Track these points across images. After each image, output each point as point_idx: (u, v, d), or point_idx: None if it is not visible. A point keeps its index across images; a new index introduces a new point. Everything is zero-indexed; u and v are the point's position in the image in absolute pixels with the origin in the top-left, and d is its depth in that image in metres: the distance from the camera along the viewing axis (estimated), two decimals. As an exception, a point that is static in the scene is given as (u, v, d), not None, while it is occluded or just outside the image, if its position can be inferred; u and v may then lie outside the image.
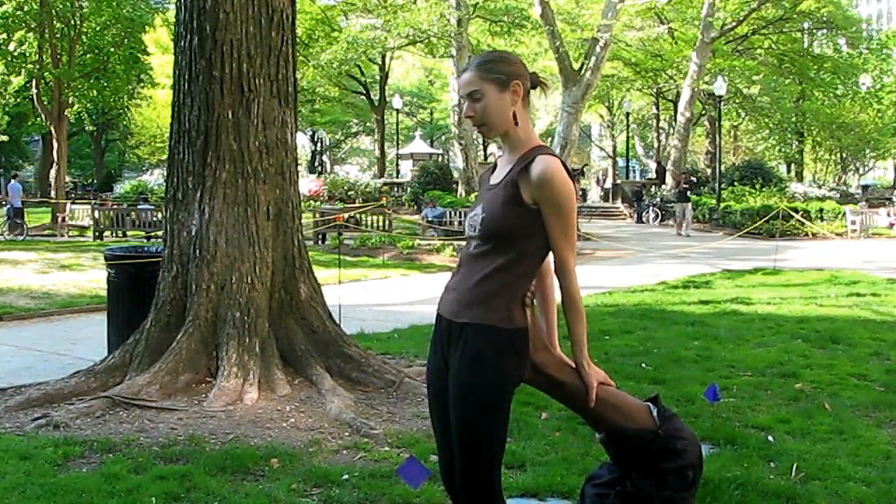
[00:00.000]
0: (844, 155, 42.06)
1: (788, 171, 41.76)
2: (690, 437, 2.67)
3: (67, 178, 31.82)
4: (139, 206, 21.78)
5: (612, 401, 2.59)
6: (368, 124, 48.00)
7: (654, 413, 2.62)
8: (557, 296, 2.62)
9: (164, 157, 18.41)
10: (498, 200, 2.48)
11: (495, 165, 2.63)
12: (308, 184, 31.56)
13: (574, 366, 2.57)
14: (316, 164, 49.22)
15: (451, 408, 2.51)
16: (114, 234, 20.53)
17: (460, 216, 21.95)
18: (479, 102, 2.50)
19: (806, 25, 35.71)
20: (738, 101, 36.76)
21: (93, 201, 25.31)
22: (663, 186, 31.63)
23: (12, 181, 23.04)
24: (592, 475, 2.84)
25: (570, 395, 2.59)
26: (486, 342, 2.43)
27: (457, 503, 2.65)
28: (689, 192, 23.84)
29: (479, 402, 2.45)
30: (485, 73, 2.51)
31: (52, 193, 23.78)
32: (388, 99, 40.13)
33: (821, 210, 24.32)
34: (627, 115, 40.62)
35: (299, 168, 8.69)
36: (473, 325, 2.45)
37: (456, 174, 30.96)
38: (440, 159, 38.23)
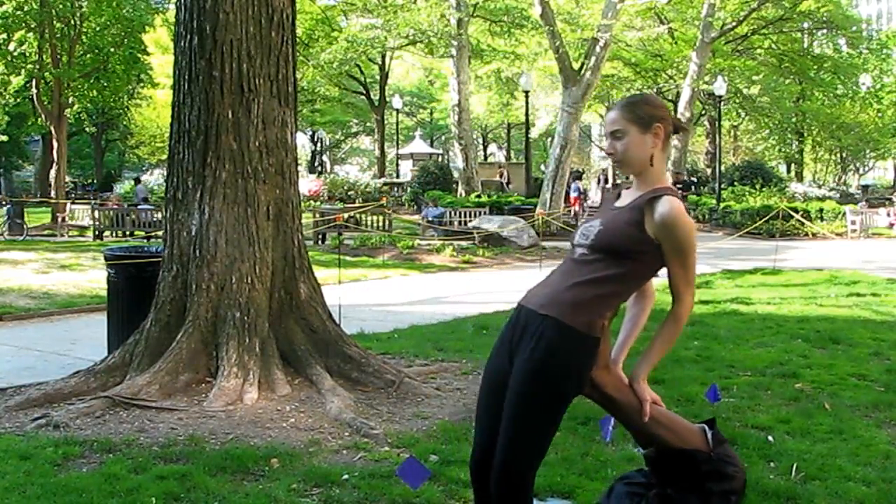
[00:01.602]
0: (844, 155, 42.09)
1: (788, 171, 41.76)
2: (740, 464, 2.74)
3: (67, 178, 31.79)
4: (139, 206, 21.78)
5: (664, 421, 2.66)
6: (368, 124, 47.98)
7: (709, 436, 2.69)
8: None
9: (164, 157, 18.38)
10: (620, 220, 2.58)
11: (619, 194, 2.74)
12: (308, 184, 31.53)
13: (629, 386, 2.65)
14: (316, 164, 49.18)
15: (508, 398, 2.56)
16: (114, 234, 20.52)
17: (460, 216, 21.97)
18: (621, 141, 2.62)
19: (806, 25, 35.66)
20: (738, 101, 36.74)
21: (93, 201, 25.30)
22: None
23: None
24: (625, 476, 2.94)
25: (624, 412, 2.66)
26: (562, 339, 2.51)
27: (481, 498, 2.68)
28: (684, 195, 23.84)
29: (539, 397, 2.52)
30: (628, 113, 2.62)
31: (52, 193, 23.74)
32: (388, 99, 40.12)
33: (821, 210, 24.31)
34: (627, 114, 40.52)
35: (299, 168, 8.69)
36: (554, 319, 2.52)
37: (456, 174, 30.94)
38: (440, 159, 38.23)
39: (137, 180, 29.14)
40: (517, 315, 2.66)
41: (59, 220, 22.28)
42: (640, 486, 2.77)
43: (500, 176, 32.38)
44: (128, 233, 20.38)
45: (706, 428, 2.71)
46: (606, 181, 40.99)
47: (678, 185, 23.76)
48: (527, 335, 2.56)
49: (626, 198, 2.67)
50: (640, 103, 2.65)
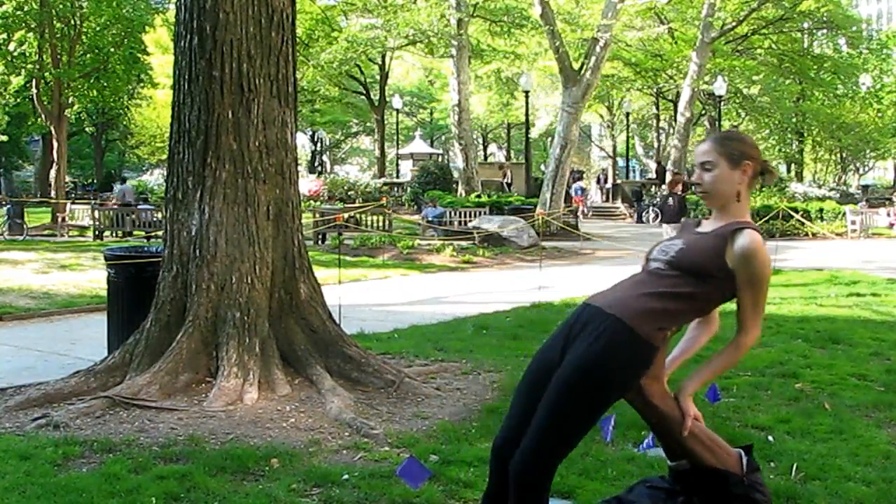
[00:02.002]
0: (844, 155, 42.10)
1: (788, 171, 41.75)
2: (768, 494, 2.80)
3: (67, 178, 31.79)
4: (139, 206, 21.78)
5: (703, 438, 2.71)
6: (368, 124, 47.98)
7: (744, 461, 2.74)
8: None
9: (164, 157, 18.39)
10: (703, 243, 2.66)
11: (700, 222, 2.84)
12: (308, 184, 31.53)
13: (673, 398, 2.69)
14: (316, 164, 49.17)
15: (552, 384, 2.60)
16: (114, 234, 20.51)
17: (460, 216, 21.97)
18: (710, 173, 2.72)
19: (806, 25, 35.68)
20: (738, 101, 36.77)
21: (93, 201, 25.30)
22: (663, 186, 31.63)
23: None
24: (648, 479, 3.00)
25: (664, 423, 2.70)
26: (622, 340, 2.56)
27: (495, 482, 2.72)
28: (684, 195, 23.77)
29: (583, 390, 2.56)
30: (720, 147, 2.72)
31: (52, 193, 23.75)
32: (388, 99, 40.14)
33: (821, 210, 24.33)
34: (627, 115, 40.61)
35: (299, 168, 8.69)
36: (620, 319, 2.57)
37: (456, 174, 30.96)
38: (440, 159, 38.25)
39: (123, 180, 28.76)
40: (580, 311, 2.71)
41: (59, 220, 22.29)
42: (663, 490, 2.82)
43: (504, 176, 32.28)
44: (122, 233, 20.35)
45: (742, 453, 2.76)
46: (606, 181, 41.02)
47: (680, 186, 23.66)
48: (587, 330, 2.61)
49: (708, 226, 2.76)
50: (733, 140, 2.75)
